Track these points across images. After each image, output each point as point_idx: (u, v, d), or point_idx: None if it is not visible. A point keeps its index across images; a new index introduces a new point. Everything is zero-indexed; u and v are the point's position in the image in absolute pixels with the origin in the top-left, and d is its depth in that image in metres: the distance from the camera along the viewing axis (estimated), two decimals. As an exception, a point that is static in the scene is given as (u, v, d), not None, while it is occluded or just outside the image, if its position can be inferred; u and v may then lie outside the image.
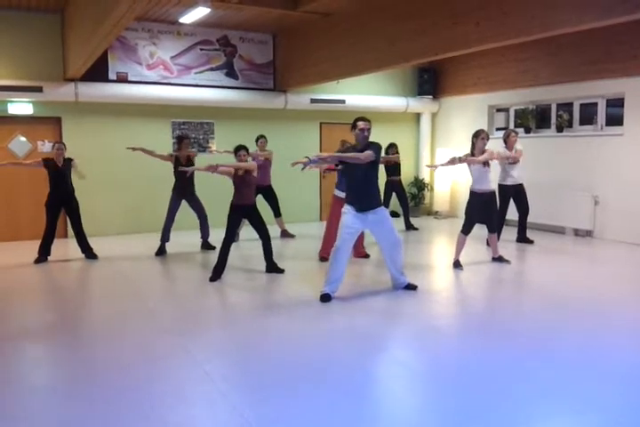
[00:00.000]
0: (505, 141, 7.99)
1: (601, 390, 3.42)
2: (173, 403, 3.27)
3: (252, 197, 6.52)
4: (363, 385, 3.55)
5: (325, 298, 5.33)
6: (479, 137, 6.61)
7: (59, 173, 7.14)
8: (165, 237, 7.68)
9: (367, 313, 5.05)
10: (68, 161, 7.23)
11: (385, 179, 9.54)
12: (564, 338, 4.35)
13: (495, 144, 8.22)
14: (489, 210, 6.80)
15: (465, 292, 6.08)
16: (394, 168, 9.60)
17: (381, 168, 6.95)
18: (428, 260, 7.62)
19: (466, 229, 6.73)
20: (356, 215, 5.35)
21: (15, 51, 8.44)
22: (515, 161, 7.89)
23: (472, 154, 6.64)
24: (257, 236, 6.49)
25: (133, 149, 7.54)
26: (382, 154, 6.01)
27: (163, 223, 7.66)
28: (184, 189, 7.67)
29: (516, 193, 8.09)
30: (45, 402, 3.37)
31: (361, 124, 5.39)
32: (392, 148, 9.57)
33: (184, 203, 7.77)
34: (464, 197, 7.38)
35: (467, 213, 6.77)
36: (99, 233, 8.66)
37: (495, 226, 7.00)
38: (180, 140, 7.74)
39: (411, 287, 5.74)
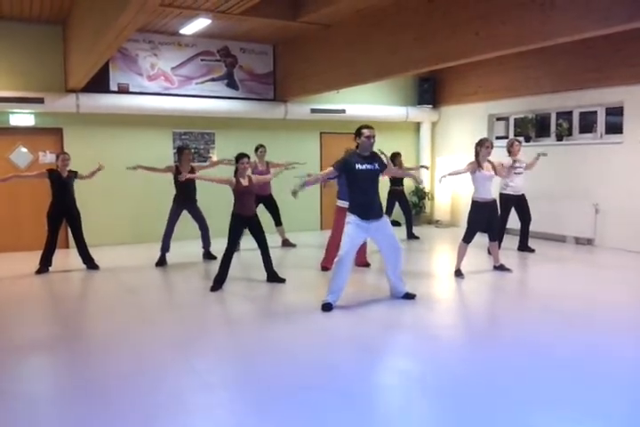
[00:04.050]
0: (508, 151, 7.99)
1: (604, 399, 3.40)
2: (174, 412, 3.27)
3: (254, 206, 6.53)
4: (364, 394, 3.54)
5: (327, 307, 5.32)
6: (484, 145, 6.64)
7: (62, 183, 7.15)
8: (165, 247, 7.68)
9: (369, 322, 5.05)
10: (73, 173, 7.25)
11: (388, 188, 9.57)
12: (566, 347, 4.33)
13: (498, 153, 8.22)
14: (490, 219, 6.80)
15: (467, 300, 6.07)
16: (397, 179, 9.62)
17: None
18: (429, 268, 7.61)
19: (467, 238, 6.73)
20: (360, 225, 5.35)
21: (17, 62, 8.49)
22: (527, 168, 7.96)
23: (477, 162, 6.66)
24: (256, 245, 6.49)
25: (134, 168, 7.56)
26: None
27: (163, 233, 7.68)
28: (184, 199, 7.68)
29: (517, 203, 8.08)
30: (46, 412, 3.35)
31: (366, 131, 5.39)
32: (397, 157, 9.59)
33: (185, 213, 7.78)
34: (465, 206, 7.39)
35: (468, 221, 6.77)
36: (100, 243, 8.66)
37: (496, 234, 7.00)
38: (181, 152, 7.75)
39: (409, 297, 5.73)
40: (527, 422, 3.14)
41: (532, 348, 4.31)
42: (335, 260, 5.44)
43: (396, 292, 5.76)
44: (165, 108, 9.28)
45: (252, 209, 6.46)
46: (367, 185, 5.40)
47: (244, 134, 10.08)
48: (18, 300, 5.95)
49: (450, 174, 7.04)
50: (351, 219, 5.38)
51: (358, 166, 5.35)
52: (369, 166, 5.39)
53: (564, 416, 3.20)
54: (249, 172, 6.48)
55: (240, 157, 6.39)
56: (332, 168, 5.49)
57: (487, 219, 6.75)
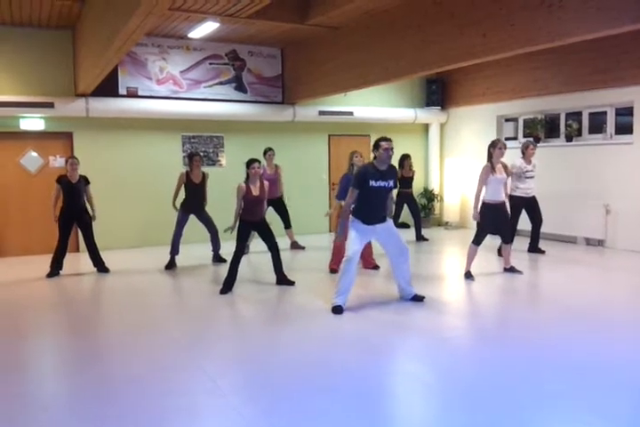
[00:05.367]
0: (523, 153, 7.95)
1: (616, 402, 3.38)
2: (185, 417, 3.26)
3: (263, 213, 6.52)
4: (375, 397, 3.53)
5: (338, 310, 5.31)
6: (496, 147, 6.59)
7: (72, 189, 7.19)
8: (175, 251, 7.70)
9: (378, 325, 5.03)
10: (83, 178, 7.29)
11: (397, 191, 9.55)
12: (577, 349, 4.30)
13: (509, 154, 8.19)
14: (502, 220, 6.76)
15: (477, 303, 6.04)
16: (406, 181, 9.62)
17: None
18: (439, 270, 7.59)
19: (477, 240, 6.70)
20: (365, 228, 5.38)
21: (27, 67, 8.55)
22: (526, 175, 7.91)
23: (490, 164, 6.61)
24: (267, 248, 6.50)
25: (176, 208, 7.73)
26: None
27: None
28: (192, 205, 7.70)
29: (528, 205, 8.02)
30: (58, 418, 3.35)
31: (384, 144, 5.34)
32: (407, 159, 9.60)
33: (193, 217, 7.80)
34: (474, 208, 7.34)
35: (479, 223, 6.73)
36: (110, 247, 8.69)
37: (509, 236, 6.95)
38: (191, 158, 7.76)
39: (418, 299, 5.71)
40: (537, 425, 3.12)
41: (542, 350, 4.28)
42: (343, 260, 5.44)
43: (405, 294, 5.75)
44: (174, 112, 9.33)
45: (260, 216, 6.45)
46: (376, 201, 5.41)
47: (252, 137, 10.10)
48: (29, 303, 5.98)
49: (477, 204, 6.72)
50: (355, 223, 5.40)
51: (372, 183, 5.31)
52: (382, 184, 5.35)
53: (575, 419, 3.17)
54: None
55: (251, 162, 6.33)
56: (352, 189, 5.41)
57: (498, 221, 6.71)
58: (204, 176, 7.75)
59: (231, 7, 7.23)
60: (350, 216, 5.47)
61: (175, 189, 7.73)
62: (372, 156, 5.53)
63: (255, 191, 6.30)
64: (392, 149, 5.39)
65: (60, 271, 7.29)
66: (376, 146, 5.41)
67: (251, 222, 6.36)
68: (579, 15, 5.13)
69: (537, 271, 7.42)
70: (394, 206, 7.27)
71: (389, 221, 5.57)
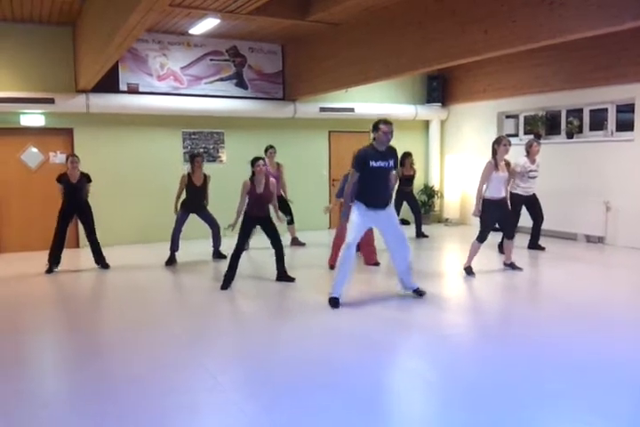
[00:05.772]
0: (527, 151, 7.93)
1: (618, 402, 3.38)
2: (186, 414, 3.27)
3: (267, 209, 6.54)
4: (375, 394, 3.54)
5: (334, 302, 5.33)
6: (501, 143, 6.57)
7: (73, 188, 7.18)
8: (175, 247, 7.70)
9: (379, 321, 5.04)
10: (85, 176, 7.28)
11: (396, 188, 9.56)
12: (578, 348, 4.30)
13: (513, 152, 8.18)
14: (505, 216, 6.76)
15: (477, 299, 6.05)
16: (407, 179, 9.62)
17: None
18: (439, 267, 7.60)
19: (482, 237, 6.66)
20: (366, 214, 5.36)
21: (27, 63, 8.54)
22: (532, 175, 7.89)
23: (494, 160, 6.60)
24: (267, 244, 6.52)
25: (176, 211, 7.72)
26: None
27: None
28: (193, 205, 7.71)
29: (528, 202, 8.01)
30: (58, 415, 3.35)
31: (383, 127, 5.30)
32: (408, 157, 9.59)
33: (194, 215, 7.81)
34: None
35: (482, 219, 6.71)
36: (110, 243, 8.68)
37: (512, 232, 6.94)
38: (193, 159, 7.73)
39: (419, 293, 5.71)
40: (538, 424, 3.13)
41: (543, 349, 4.28)
42: (342, 247, 5.44)
43: (405, 285, 5.74)
44: (175, 108, 9.31)
45: (264, 211, 6.47)
46: (378, 181, 5.39)
47: (253, 133, 10.10)
48: (28, 299, 5.98)
49: (479, 200, 6.72)
50: (357, 207, 5.38)
51: (372, 164, 5.30)
52: (382, 164, 5.35)
53: (575, 418, 3.18)
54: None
55: (255, 160, 6.39)
56: (353, 171, 5.41)
57: (501, 217, 6.71)
58: (206, 178, 7.73)
59: (232, 3, 7.23)
60: (354, 201, 5.44)
61: (177, 191, 7.71)
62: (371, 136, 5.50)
63: (259, 189, 6.34)
64: (391, 132, 5.33)
65: (58, 266, 7.26)
66: (375, 127, 5.37)
67: (256, 217, 6.39)
68: (579, 12, 5.13)
69: (537, 268, 7.43)
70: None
71: (391, 208, 5.55)
